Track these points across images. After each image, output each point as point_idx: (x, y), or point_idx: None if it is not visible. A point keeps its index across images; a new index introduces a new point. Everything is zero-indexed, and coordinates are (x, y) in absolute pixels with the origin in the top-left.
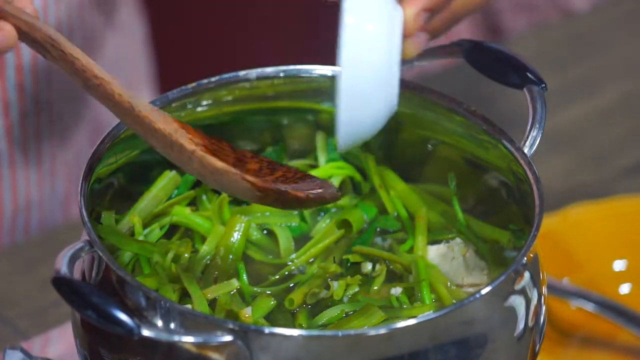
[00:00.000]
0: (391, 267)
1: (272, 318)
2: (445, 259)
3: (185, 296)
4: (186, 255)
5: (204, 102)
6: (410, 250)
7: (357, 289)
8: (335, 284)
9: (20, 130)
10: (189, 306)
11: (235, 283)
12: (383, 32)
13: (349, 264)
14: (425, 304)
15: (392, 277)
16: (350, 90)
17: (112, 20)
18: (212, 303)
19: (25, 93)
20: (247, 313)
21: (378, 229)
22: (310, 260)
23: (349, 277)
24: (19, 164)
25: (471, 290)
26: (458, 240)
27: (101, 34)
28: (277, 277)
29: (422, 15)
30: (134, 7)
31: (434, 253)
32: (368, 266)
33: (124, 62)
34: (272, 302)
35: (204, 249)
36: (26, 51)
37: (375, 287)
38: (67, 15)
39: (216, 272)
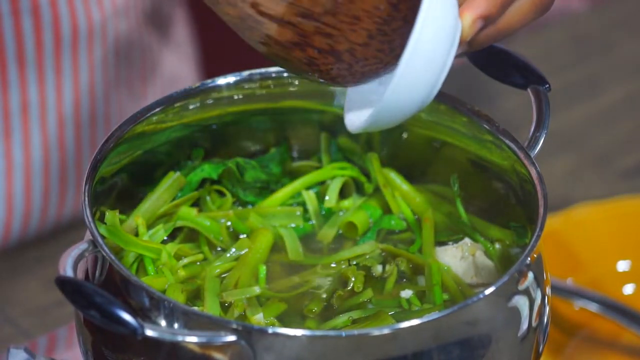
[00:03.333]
0: (402, 268)
1: (282, 321)
2: (455, 259)
3: (194, 298)
4: (198, 262)
5: (208, 103)
6: (419, 251)
7: (371, 294)
8: (385, 268)
9: (75, 144)
10: (195, 308)
11: (257, 290)
12: (452, 26)
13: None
14: (437, 306)
15: (401, 278)
16: (413, 62)
17: (168, 39)
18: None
19: (82, 108)
20: (259, 319)
21: (381, 230)
22: (332, 264)
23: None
24: (70, 178)
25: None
26: (467, 240)
27: (158, 52)
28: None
29: (478, 22)
30: (187, 27)
31: (442, 253)
32: (379, 268)
33: (177, 81)
34: (284, 306)
35: (227, 256)
36: (84, 65)
37: (389, 288)
38: (126, 31)
39: (238, 276)
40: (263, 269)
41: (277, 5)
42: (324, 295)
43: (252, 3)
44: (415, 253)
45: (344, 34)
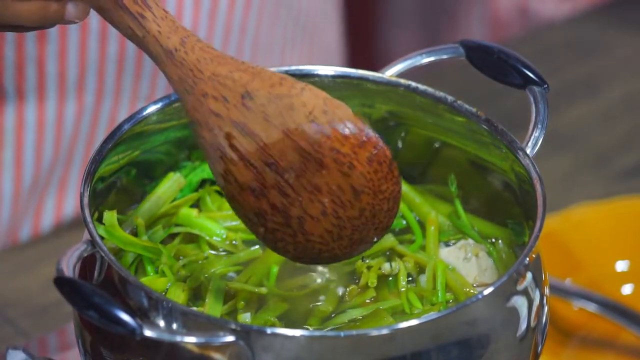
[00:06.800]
0: (407, 268)
1: (285, 320)
2: (458, 260)
3: (195, 298)
4: (200, 262)
5: None
6: (421, 249)
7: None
8: (392, 265)
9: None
10: (194, 308)
11: (264, 290)
12: None
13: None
14: (436, 305)
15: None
16: None
17: None
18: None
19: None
20: (245, 319)
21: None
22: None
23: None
24: (72, 177)
25: None
26: (470, 240)
27: None
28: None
29: None
30: None
31: (445, 254)
32: (387, 266)
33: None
34: (285, 306)
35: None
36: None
37: (403, 283)
38: None
39: (250, 275)
40: (275, 269)
41: (248, 144)
42: (340, 290)
43: (227, 134)
44: (418, 252)
45: (300, 198)
